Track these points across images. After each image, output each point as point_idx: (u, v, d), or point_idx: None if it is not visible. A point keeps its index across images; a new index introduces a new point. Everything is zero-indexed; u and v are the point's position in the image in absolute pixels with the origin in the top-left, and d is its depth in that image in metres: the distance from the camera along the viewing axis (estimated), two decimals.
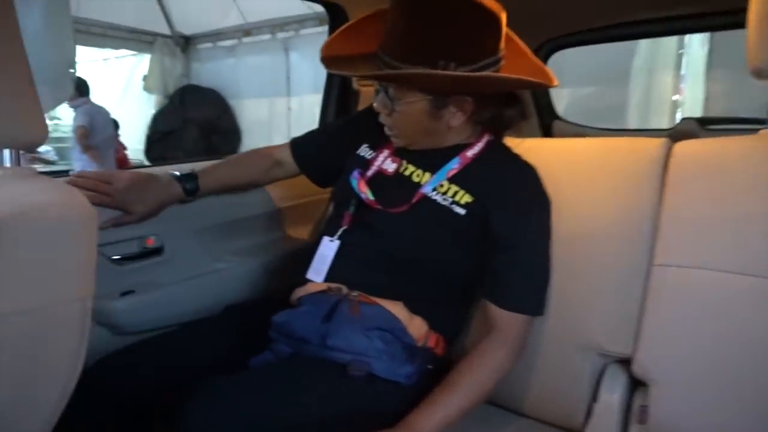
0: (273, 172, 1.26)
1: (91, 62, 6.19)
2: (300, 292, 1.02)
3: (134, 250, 1.19)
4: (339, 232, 1.04)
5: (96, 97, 4.75)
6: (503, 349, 0.94)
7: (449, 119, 0.97)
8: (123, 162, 5.08)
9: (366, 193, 1.03)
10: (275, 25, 4.85)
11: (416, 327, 0.97)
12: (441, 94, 0.94)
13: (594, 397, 0.98)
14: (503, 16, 0.91)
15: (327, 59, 1.02)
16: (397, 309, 0.96)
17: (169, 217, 1.22)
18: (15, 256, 0.49)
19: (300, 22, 4.61)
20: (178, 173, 1.12)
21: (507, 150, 1.06)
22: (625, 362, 0.97)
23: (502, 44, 0.94)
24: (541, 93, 1.95)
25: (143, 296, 1.17)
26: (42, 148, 5.75)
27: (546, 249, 0.99)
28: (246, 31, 5.13)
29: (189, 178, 1.12)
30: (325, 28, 1.78)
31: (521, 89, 1.03)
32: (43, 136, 0.61)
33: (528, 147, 1.09)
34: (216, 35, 5.45)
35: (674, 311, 0.89)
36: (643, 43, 3.19)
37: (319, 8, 1.69)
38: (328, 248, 1.03)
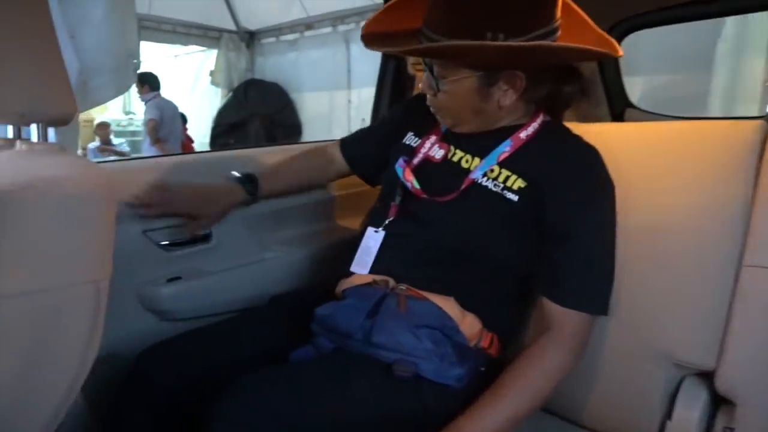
0: (329, 171, 1.26)
1: (163, 59, 6.44)
2: (345, 284, 0.96)
3: (182, 237, 1.18)
4: (384, 223, 0.98)
5: (166, 91, 4.95)
6: (561, 351, 0.85)
7: (500, 98, 0.89)
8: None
9: (411, 182, 0.96)
10: (336, 18, 4.85)
11: (469, 325, 0.90)
12: (490, 70, 0.87)
13: (668, 413, 0.87)
14: None
15: (368, 36, 0.96)
16: (448, 305, 0.89)
17: None
18: (23, 233, 0.46)
19: (360, 14, 4.58)
20: (238, 175, 1.14)
21: (565, 130, 0.96)
22: (707, 376, 0.86)
23: (558, 13, 0.84)
24: (611, 78, 1.81)
25: (189, 283, 1.16)
26: (116, 141, 6.07)
27: (609, 240, 0.88)
28: (308, 24, 5.16)
29: (250, 180, 1.14)
30: None
31: (581, 60, 0.93)
32: (71, 113, 0.59)
33: (597, 132, 0.98)
34: (279, 30, 5.51)
35: (766, 319, 0.77)
36: (729, 23, 2.92)
37: None
38: (373, 239, 0.98)
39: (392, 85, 1.61)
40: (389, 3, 0.97)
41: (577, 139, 0.93)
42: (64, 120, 0.59)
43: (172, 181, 1.12)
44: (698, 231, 0.87)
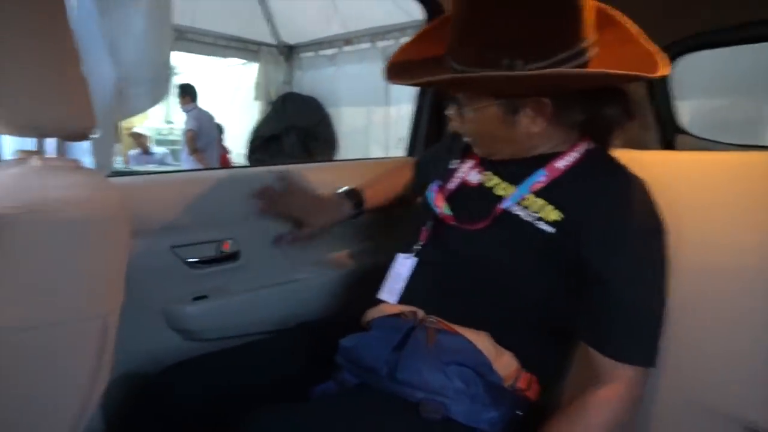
0: (412, 184, 1.25)
1: (204, 70, 6.57)
2: (372, 313, 0.91)
3: (210, 254, 1.15)
4: (415, 249, 0.93)
5: (207, 103, 5.03)
6: (610, 405, 0.77)
7: (527, 125, 0.83)
8: (226, 165, 5.30)
9: (441, 208, 0.92)
10: (375, 34, 4.85)
11: (504, 364, 0.83)
12: (512, 97, 0.81)
13: None
14: (584, 3, 0.75)
15: (394, 66, 0.92)
16: (481, 341, 0.82)
17: (248, 222, 1.18)
18: (24, 262, 0.42)
19: (400, 30, 4.57)
20: (343, 190, 1.18)
21: (610, 160, 0.88)
22: None
23: (588, 31, 0.77)
24: (661, 101, 1.72)
25: (215, 302, 1.13)
26: (157, 149, 6.19)
27: (656, 285, 0.79)
28: (346, 40, 5.17)
29: (354, 194, 1.18)
30: None
31: (608, 84, 0.82)
32: (90, 127, 0.55)
33: (645, 160, 0.91)
34: (318, 44, 5.54)
35: None
36: None
37: (419, 15, 1.60)
38: (403, 266, 0.93)
39: (431, 105, 1.56)
40: (417, 33, 0.95)
41: (623, 170, 0.85)
42: (82, 135, 0.56)
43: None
44: (758, 272, 0.79)
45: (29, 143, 0.63)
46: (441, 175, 1.00)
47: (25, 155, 0.61)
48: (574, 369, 0.93)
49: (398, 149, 4.55)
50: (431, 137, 1.57)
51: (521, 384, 0.85)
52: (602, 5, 0.83)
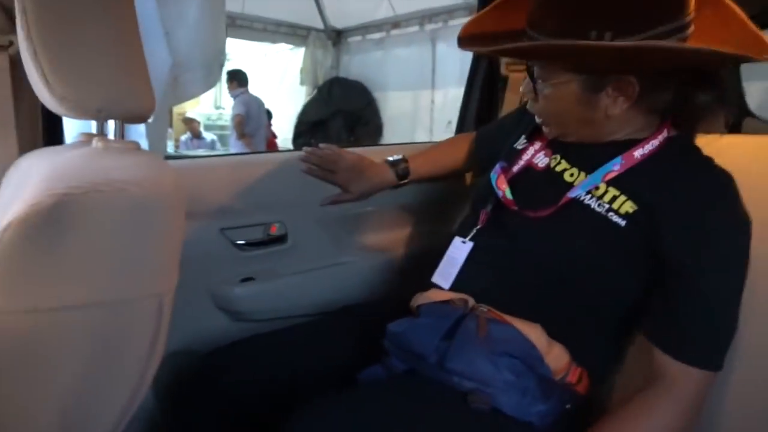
0: (468, 161, 1.23)
1: (253, 56, 6.67)
2: (420, 299, 0.90)
3: (258, 236, 1.16)
4: (472, 233, 0.90)
5: (256, 88, 5.11)
6: (672, 410, 0.73)
7: (607, 106, 0.77)
8: (272, 149, 5.39)
9: (504, 191, 0.88)
10: (423, 17, 4.78)
11: (555, 357, 0.80)
12: (596, 74, 0.76)
13: None
14: None
15: (466, 38, 0.88)
16: (534, 333, 0.80)
17: (296, 205, 1.19)
18: (85, 241, 0.43)
19: (449, 12, 4.49)
20: (390, 158, 1.14)
21: (694, 150, 0.81)
22: None
23: (691, 8, 0.71)
24: (729, 83, 1.62)
25: (263, 284, 1.15)
26: (206, 134, 6.35)
27: (738, 285, 0.74)
28: (394, 23, 5.12)
29: (400, 162, 1.14)
30: None
31: (706, 65, 0.75)
32: (149, 109, 0.56)
33: (712, 145, 0.83)
34: (365, 28, 5.52)
35: None
36: None
37: None
38: (459, 250, 0.90)
39: (482, 86, 1.52)
40: (494, 3, 0.88)
41: (708, 162, 0.78)
42: (142, 117, 0.57)
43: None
44: None
45: (90, 126, 0.65)
46: (506, 154, 0.96)
47: (87, 138, 0.63)
48: (628, 362, 0.90)
49: (445, 134, 4.52)
50: (481, 120, 1.54)
51: (571, 378, 0.82)
52: None
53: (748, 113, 1.69)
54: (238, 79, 4.81)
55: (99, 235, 0.44)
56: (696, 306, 0.73)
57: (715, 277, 0.73)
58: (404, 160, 1.15)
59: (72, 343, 0.45)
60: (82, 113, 0.52)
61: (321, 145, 1.10)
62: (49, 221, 0.42)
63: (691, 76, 0.75)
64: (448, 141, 1.28)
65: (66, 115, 0.55)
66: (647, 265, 0.77)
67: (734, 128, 1.66)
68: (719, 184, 0.75)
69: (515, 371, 0.76)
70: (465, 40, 0.87)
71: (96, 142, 0.55)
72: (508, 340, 0.79)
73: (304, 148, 1.09)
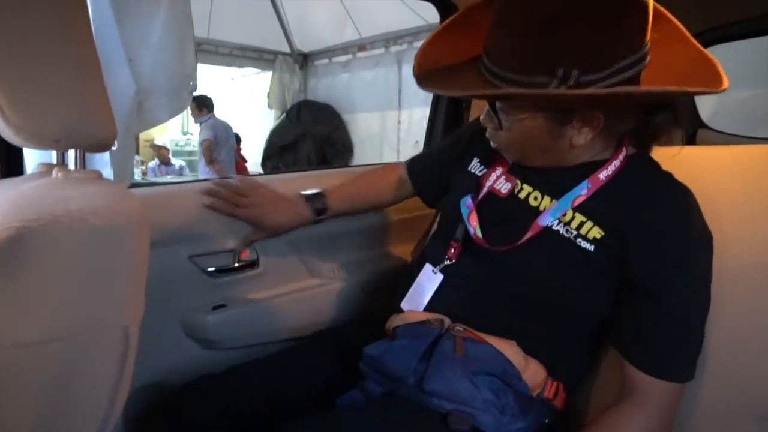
0: (399, 191, 1.18)
1: (220, 81, 6.64)
2: (396, 321, 0.89)
3: (229, 262, 1.14)
4: (443, 263, 0.90)
5: (224, 113, 5.07)
6: (648, 421, 0.74)
7: (573, 136, 0.77)
8: (242, 173, 5.34)
9: (475, 228, 0.87)
10: (389, 39, 4.85)
11: (532, 373, 0.81)
12: (562, 111, 0.75)
13: None
14: (650, 0, 0.69)
15: (422, 68, 0.83)
16: (510, 350, 0.80)
17: None
18: (45, 274, 0.41)
19: (413, 34, 4.56)
20: (307, 193, 1.08)
21: (653, 167, 0.83)
22: None
23: (647, 36, 0.71)
24: (683, 98, 1.68)
25: (235, 311, 1.12)
26: (174, 160, 6.27)
27: (704, 299, 0.76)
28: (360, 46, 5.18)
29: (317, 198, 1.08)
30: None
31: (670, 99, 0.78)
32: (111, 138, 0.55)
33: (668, 157, 0.85)
34: (332, 51, 5.58)
35: None
36: None
37: (433, 19, 1.59)
38: (429, 280, 0.90)
39: (447, 106, 1.54)
40: (440, 28, 0.86)
41: (669, 179, 0.80)
42: (103, 145, 0.55)
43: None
44: None
45: (51, 156, 0.63)
46: (467, 182, 0.95)
47: (47, 168, 0.61)
48: (601, 375, 0.91)
49: (413, 153, 4.55)
50: None
51: (548, 393, 0.82)
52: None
53: (702, 125, 1.75)
54: (204, 104, 4.77)
55: (59, 267, 0.43)
56: (663, 322, 0.74)
57: (679, 294, 0.74)
58: (322, 194, 1.08)
59: (33, 378, 0.43)
60: (39, 143, 0.51)
61: (236, 177, 1.06)
62: (6, 255, 0.40)
63: (651, 104, 0.77)
64: (373, 172, 1.22)
65: (23, 146, 0.54)
66: (617, 284, 0.78)
67: (689, 140, 1.72)
68: (678, 201, 0.77)
69: (494, 390, 0.76)
70: (423, 78, 0.83)
71: (56, 173, 0.53)
72: (486, 358, 0.79)
73: (212, 181, 1.05)
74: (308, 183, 1.14)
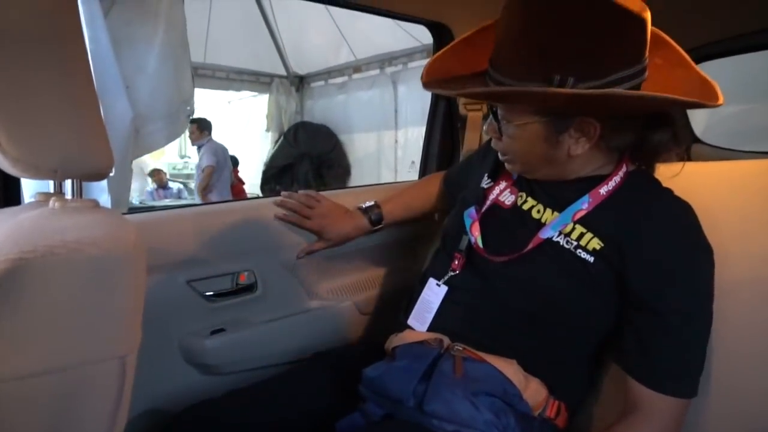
0: (442, 200, 1.24)
1: (217, 104, 6.69)
2: (396, 340, 0.89)
3: (227, 286, 1.14)
4: (447, 275, 0.90)
5: (221, 136, 5.10)
6: None
7: (570, 146, 0.79)
8: (240, 195, 5.35)
9: (476, 237, 0.88)
10: (384, 60, 4.91)
11: (533, 392, 0.80)
12: (559, 116, 0.77)
13: None
14: (647, 16, 0.70)
15: (430, 75, 0.88)
16: (510, 369, 0.80)
17: (264, 251, 1.18)
18: (42, 306, 0.41)
19: (408, 55, 4.62)
20: (364, 206, 1.18)
21: (653, 183, 0.84)
22: None
23: (646, 52, 0.73)
24: (675, 112, 1.69)
25: (233, 335, 1.12)
26: (172, 184, 6.28)
27: (707, 313, 0.76)
28: (356, 67, 5.24)
29: (373, 208, 1.17)
30: None
31: (664, 109, 0.79)
32: (108, 167, 0.55)
33: (666, 173, 0.87)
34: (328, 73, 5.64)
35: None
36: None
37: (427, 40, 1.61)
38: (434, 293, 0.90)
39: (443, 126, 1.55)
40: (454, 43, 0.90)
41: (669, 194, 0.81)
42: (100, 174, 0.56)
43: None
44: None
45: (48, 185, 0.63)
46: (475, 195, 0.97)
47: (44, 197, 0.62)
48: (603, 393, 0.90)
49: (409, 173, 4.59)
50: (443, 158, 1.57)
51: (550, 412, 0.82)
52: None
53: (695, 139, 1.76)
54: (204, 127, 4.80)
55: (56, 299, 0.43)
56: (666, 337, 0.74)
57: (681, 308, 0.74)
58: (377, 206, 1.17)
59: (31, 411, 0.43)
60: (36, 174, 0.51)
61: (301, 191, 1.11)
62: (2, 288, 0.40)
63: (649, 118, 0.78)
64: (419, 183, 1.30)
65: (21, 176, 0.54)
66: (617, 298, 0.79)
67: (683, 155, 1.73)
68: (678, 216, 0.78)
69: (495, 410, 0.76)
70: (429, 82, 0.87)
71: (53, 202, 0.53)
72: (486, 378, 0.78)
73: (282, 193, 1.11)
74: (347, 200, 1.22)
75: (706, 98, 0.71)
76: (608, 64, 0.71)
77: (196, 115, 4.98)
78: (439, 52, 0.89)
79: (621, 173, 0.82)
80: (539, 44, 0.71)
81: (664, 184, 0.83)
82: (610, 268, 0.77)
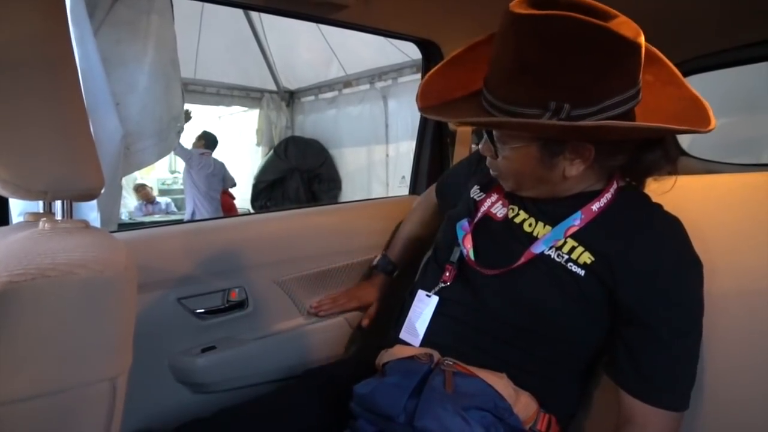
0: (437, 217, 1.24)
1: (208, 119, 6.69)
2: (386, 356, 0.89)
3: (217, 304, 1.14)
4: (438, 286, 0.91)
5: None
6: None
7: (565, 167, 0.80)
8: (231, 211, 5.33)
9: (468, 250, 0.89)
10: (374, 75, 4.95)
11: (524, 406, 0.80)
12: (554, 141, 0.78)
13: None
14: (641, 41, 0.69)
15: (425, 98, 0.86)
16: (500, 383, 0.80)
17: (254, 268, 1.18)
18: (32, 330, 0.41)
19: (398, 70, 4.66)
20: (374, 264, 1.31)
21: (644, 199, 0.85)
22: None
23: (639, 76, 0.73)
24: None
25: (225, 353, 1.11)
26: (161, 199, 6.25)
27: (698, 328, 0.77)
28: (346, 82, 5.27)
29: (385, 265, 1.29)
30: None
31: (657, 136, 0.80)
32: (98, 188, 0.56)
33: (651, 189, 0.88)
34: (318, 88, 5.66)
35: None
36: None
37: (416, 55, 1.63)
38: (425, 304, 0.90)
39: (432, 140, 1.57)
40: (443, 63, 0.89)
41: (659, 210, 0.82)
42: (90, 195, 0.56)
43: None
44: (765, 295, 0.78)
45: (37, 203, 0.63)
46: (466, 206, 0.97)
47: (34, 217, 0.62)
48: (594, 405, 0.91)
49: (400, 187, 4.60)
50: (433, 174, 1.58)
51: (541, 426, 0.82)
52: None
53: (682, 152, 1.79)
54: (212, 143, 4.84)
55: (46, 322, 0.43)
56: (657, 352, 0.75)
57: (672, 323, 0.75)
58: (385, 258, 1.29)
59: None
60: (27, 196, 0.51)
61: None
62: None
63: (642, 140, 0.79)
64: (413, 214, 1.34)
65: (10, 197, 0.54)
66: (608, 313, 0.79)
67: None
68: (668, 231, 0.79)
69: (485, 425, 0.76)
70: (426, 108, 0.85)
71: (43, 223, 0.54)
72: (476, 393, 0.78)
73: (313, 305, 1.26)
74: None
75: (699, 124, 0.72)
76: (604, 91, 0.71)
77: (186, 131, 5.00)
78: (430, 73, 0.88)
79: (612, 190, 0.83)
80: (536, 72, 0.71)
81: (654, 199, 0.84)
82: (600, 283, 0.78)
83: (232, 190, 5.56)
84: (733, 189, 0.90)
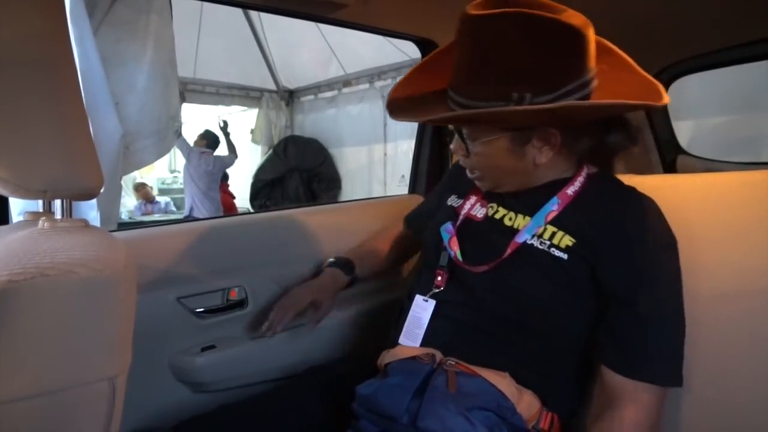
0: (409, 248, 1.28)
1: (207, 118, 6.68)
2: (388, 357, 0.89)
3: (217, 303, 1.14)
4: (432, 290, 0.91)
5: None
6: (631, 430, 0.75)
7: (535, 156, 0.83)
8: (231, 209, 5.33)
9: (455, 252, 0.90)
10: (373, 74, 4.95)
11: (526, 404, 0.80)
12: (521, 129, 0.81)
13: None
14: (590, 32, 0.75)
15: (394, 103, 0.90)
16: (503, 382, 0.80)
17: (254, 267, 1.18)
18: (31, 329, 0.41)
19: (397, 69, 4.66)
20: (333, 260, 1.17)
21: (615, 182, 0.89)
22: None
23: (592, 62, 0.77)
24: (660, 125, 1.73)
25: (224, 352, 1.11)
26: (160, 198, 6.25)
27: (678, 299, 0.79)
28: (345, 81, 5.28)
29: (345, 265, 1.16)
30: None
31: (617, 113, 0.85)
32: (98, 187, 0.56)
33: (651, 186, 0.89)
34: (317, 87, 5.67)
35: None
36: None
37: (415, 55, 1.63)
38: (423, 309, 0.91)
39: (431, 140, 1.57)
40: (414, 68, 0.94)
41: (632, 191, 0.85)
42: (90, 194, 0.56)
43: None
44: (764, 294, 0.78)
45: (37, 202, 0.63)
46: (446, 213, 0.99)
47: (34, 216, 0.62)
48: (594, 402, 0.91)
49: (399, 186, 4.60)
50: (433, 173, 1.58)
51: (543, 424, 0.82)
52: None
53: (681, 151, 1.79)
54: (213, 142, 4.83)
55: (45, 321, 0.43)
56: (637, 326, 0.77)
57: (657, 298, 0.77)
58: (349, 262, 1.16)
59: None
60: (26, 195, 0.51)
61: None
62: None
63: (603, 123, 0.84)
64: (383, 238, 1.28)
65: (10, 196, 0.54)
66: (594, 296, 0.81)
67: (670, 166, 1.76)
68: (646, 211, 0.82)
69: (489, 425, 0.76)
70: (395, 110, 0.90)
71: (42, 222, 0.53)
72: (479, 393, 0.78)
73: (265, 326, 1.05)
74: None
75: (653, 99, 0.76)
76: (560, 78, 0.75)
77: (185, 131, 5.00)
78: (398, 82, 0.93)
79: (583, 174, 0.87)
80: (495, 66, 0.76)
81: (653, 197, 0.85)
82: (584, 263, 0.80)
83: (231, 190, 5.57)
84: (732, 187, 0.90)
